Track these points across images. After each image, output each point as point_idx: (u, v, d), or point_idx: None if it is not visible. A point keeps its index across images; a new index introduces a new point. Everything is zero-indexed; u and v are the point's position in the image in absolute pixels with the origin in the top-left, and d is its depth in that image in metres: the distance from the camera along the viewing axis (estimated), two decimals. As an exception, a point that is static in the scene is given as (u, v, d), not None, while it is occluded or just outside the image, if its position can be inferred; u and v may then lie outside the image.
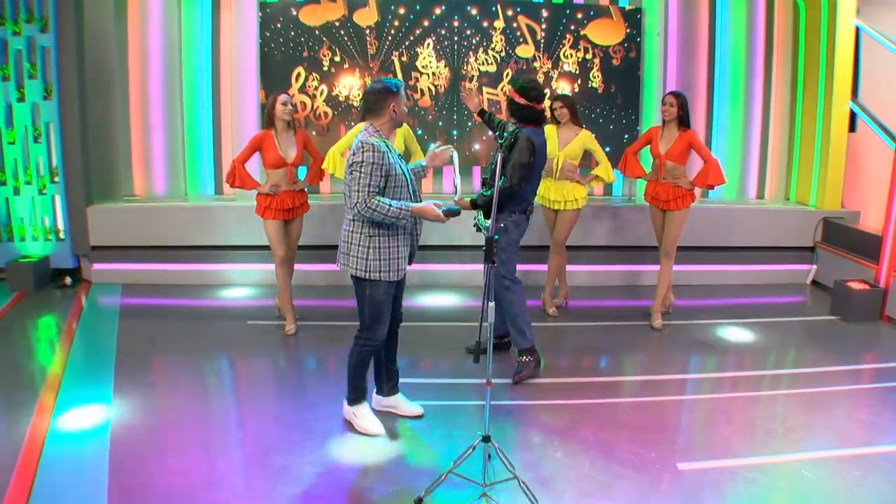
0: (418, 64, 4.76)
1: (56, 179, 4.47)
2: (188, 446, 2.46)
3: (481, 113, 3.38)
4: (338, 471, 2.32)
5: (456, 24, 4.75)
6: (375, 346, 2.45)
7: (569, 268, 4.18)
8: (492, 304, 2.02)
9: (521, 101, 2.98)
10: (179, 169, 4.77)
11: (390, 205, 2.27)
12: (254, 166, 3.83)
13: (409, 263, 2.46)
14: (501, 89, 4.81)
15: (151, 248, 4.53)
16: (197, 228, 4.51)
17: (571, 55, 4.82)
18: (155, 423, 2.63)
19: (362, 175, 2.24)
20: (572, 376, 3.17)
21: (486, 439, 2.18)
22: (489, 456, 2.23)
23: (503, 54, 4.81)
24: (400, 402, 2.69)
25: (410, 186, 2.42)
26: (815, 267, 4.77)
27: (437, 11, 4.71)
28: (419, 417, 2.67)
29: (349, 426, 2.58)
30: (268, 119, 3.39)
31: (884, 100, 4.45)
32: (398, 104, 2.38)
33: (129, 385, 2.95)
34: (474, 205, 2.98)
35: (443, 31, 4.76)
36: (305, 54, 4.64)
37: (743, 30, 4.90)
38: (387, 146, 2.33)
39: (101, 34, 4.48)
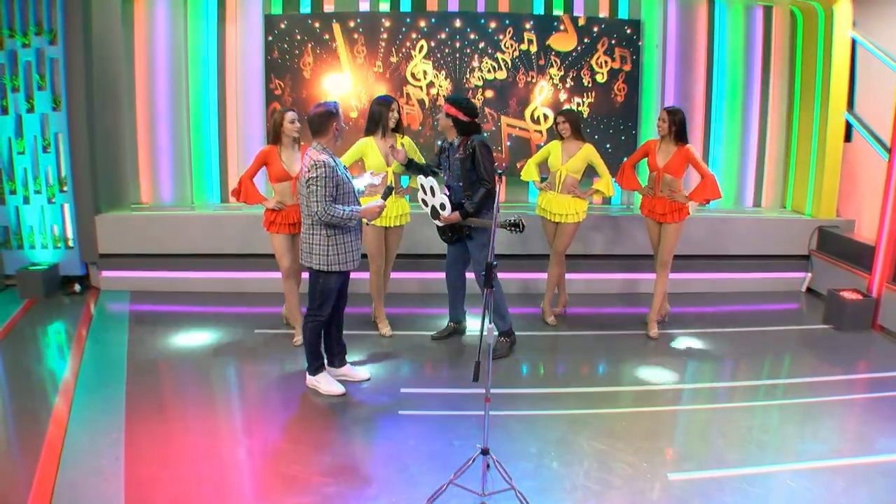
0: (408, 73, 4.63)
1: (65, 189, 4.57)
2: (200, 457, 2.56)
3: (409, 164, 3.53)
4: (344, 481, 2.41)
5: (458, 24, 4.63)
6: (322, 321, 3.00)
7: (568, 276, 4.26)
8: (490, 325, 2.11)
9: (467, 118, 3.33)
10: (186, 177, 4.85)
11: (344, 210, 2.82)
12: (260, 180, 3.91)
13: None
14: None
15: (159, 256, 4.62)
16: (204, 236, 4.60)
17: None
18: (167, 433, 2.72)
19: (319, 188, 2.76)
20: (569, 386, 3.26)
21: (484, 452, 2.28)
22: (487, 466, 2.33)
23: (525, 49, 4.61)
24: (349, 370, 3.24)
25: (355, 193, 2.96)
26: (809, 275, 4.85)
27: (434, 10, 4.62)
28: (367, 380, 3.22)
29: (315, 393, 3.08)
30: (274, 135, 3.46)
31: (878, 110, 4.52)
32: (339, 122, 2.88)
33: (141, 394, 3.05)
34: (466, 215, 3.33)
35: (442, 35, 4.61)
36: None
37: (741, 41, 4.96)
38: (335, 161, 2.83)
39: (109, 46, 4.55)
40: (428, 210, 3.33)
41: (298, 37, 4.61)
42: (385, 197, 2.99)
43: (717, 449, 2.69)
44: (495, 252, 2.30)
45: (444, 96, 3.37)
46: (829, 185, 4.81)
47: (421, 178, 3.22)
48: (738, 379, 3.43)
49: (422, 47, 4.67)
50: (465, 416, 2.88)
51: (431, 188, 3.24)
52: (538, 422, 2.89)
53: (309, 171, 2.77)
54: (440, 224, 3.37)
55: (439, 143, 3.57)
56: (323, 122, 2.82)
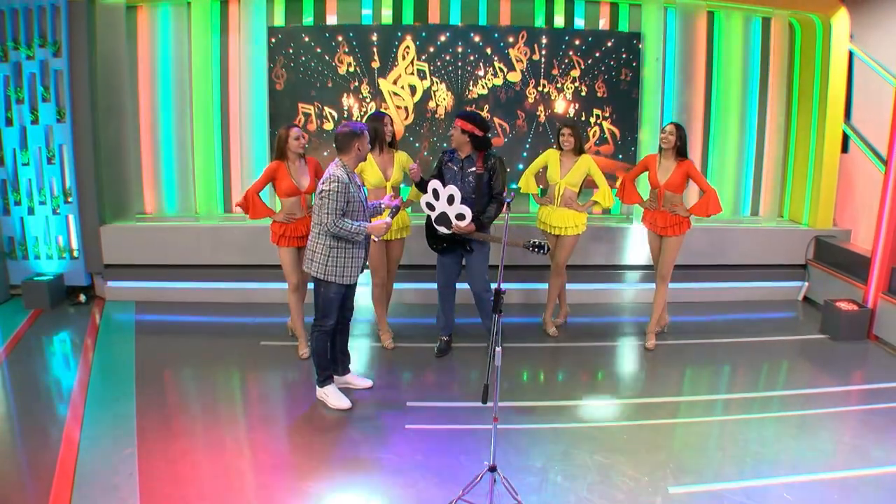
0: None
1: (70, 200, 4.60)
2: (212, 472, 2.60)
3: (420, 182, 3.54)
4: (355, 496, 2.47)
5: (461, 34, 4.54)
6: (328, 330, 3.10)
7: (568, 286, 4.32)
8: (499, 350, 2.17)
9: (481, 133, 3.42)
10: (190, 189, 4.87)
11: (353, 224, 2.92)
12: (266, 193, 3.93)
13: (361, 272, 3.10)
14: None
15: (164, 267, 4.65)
16: (208, 247, 4.64)
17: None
18: (179, 448, 2.77)
19: (330, 201, 2.88)
20: (571, 399, 3.32)
21: (492, 469, 2.34)
22: (494, 480, 2.39)
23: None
24: (353, 378, 3.36)
25: (365, 211, 3.05)
26: (806, 284, 4.93)
27: (436, 22, 4.51)
28: (370, 388, 3.34)
29: (322, 405, 3.17)
30: (279, 151, 3.49)
31: (874, 122, 4.58)
32: (362, 143, 2.99)
33: (151, 407, 3.09)
34: (479, 226, 3.42)
35: (442, 38, 4.44)
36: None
37: (740, 53, 5.01)
38: (349, 178, 2.95)
39: (113, 57, 4.57)
40: (433, 215, 3.40)
41: (301, 48, 4.63)
42: (393, 216, 3.10)
43: (715, 462, 2.76)
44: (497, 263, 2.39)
45: (451, 112, 3.48)
46: (826, 196, 4.88)
47: (445, 187, 3.32)
48: (736, 390, 3.50)
49: (407, 49, 4.47)
50: (472, 430, 2.94)
51: (451, 196, 3.31)
52: (542, 435, 2.95)
53: (323, 183, 2.91)
54: (445, 233, 3.42)
55: (444, 152, 3.62)
56: (346, 141, 2.95)
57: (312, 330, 3.11)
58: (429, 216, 3.50)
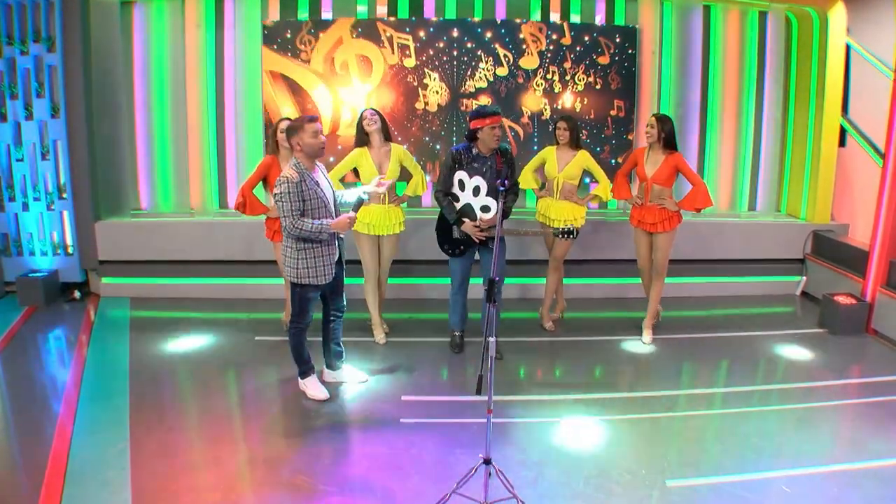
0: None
1: (64, 195, 4.57)
2: (205, 466, 2.58)
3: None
4: (349, 490, 2.45)
5: (455, 32, 4.42)
6: (303, 327, 3.07)
7: (564, 280, 4.30)
8: (492, 340, 2.15)
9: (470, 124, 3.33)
10: (184, 184, 4.85)
11: (313, 223, 2.83)
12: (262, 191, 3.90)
13: (337, 269, 3.04)
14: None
15: (159, 263, 4.63)
16: (203, 243, 4.62)
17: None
18: (172, 442, 2.75)
19: (284, 203, 2.80)
20: (568, 392, 3.30)
21: (487, 461, 2.31)
22: (489, 474, 2.36)
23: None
24: (346, 372, 3.34)
25: (328, 206, 2.93)
26: (804, 278, 4.91)
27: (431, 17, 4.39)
28: (365, 382, 3.32)
29: (304, 395, 3.18)
30: (273, 144, 3.48)
31: (872, 116, 4.57)
32: (301, 139, 2.82)
33: (144, 402, 3.07)
34: (507, 213, 3.36)
35: (435, 20, 4.31)
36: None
37: (736, 46, 5.00)
38: (302, 176, 2.83)
39: (108, 53, 4.55)
40: (456, 206, 3.29)
41: (295, 44, 4.61)
42: (356, 209, 2.96)
43: (714, 455, 2.74)
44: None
45: (447, 106, 3.33)
46: (824, 190, 4.87)
47: (477, 180, 3.26)
48: (734, 384, 3.48)
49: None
50: (467, 424, 2.92)
51: (477, 188, 3.24)
52: (538, 428, 2.93)
53: (276, 187, 2.82)
54: (458, 236, 3.37)
55: (456, 148, 3.44)
56: (290, 135, 2.84)
57: (290, 327, 3.09)
58: (439, 221, 3.45)
